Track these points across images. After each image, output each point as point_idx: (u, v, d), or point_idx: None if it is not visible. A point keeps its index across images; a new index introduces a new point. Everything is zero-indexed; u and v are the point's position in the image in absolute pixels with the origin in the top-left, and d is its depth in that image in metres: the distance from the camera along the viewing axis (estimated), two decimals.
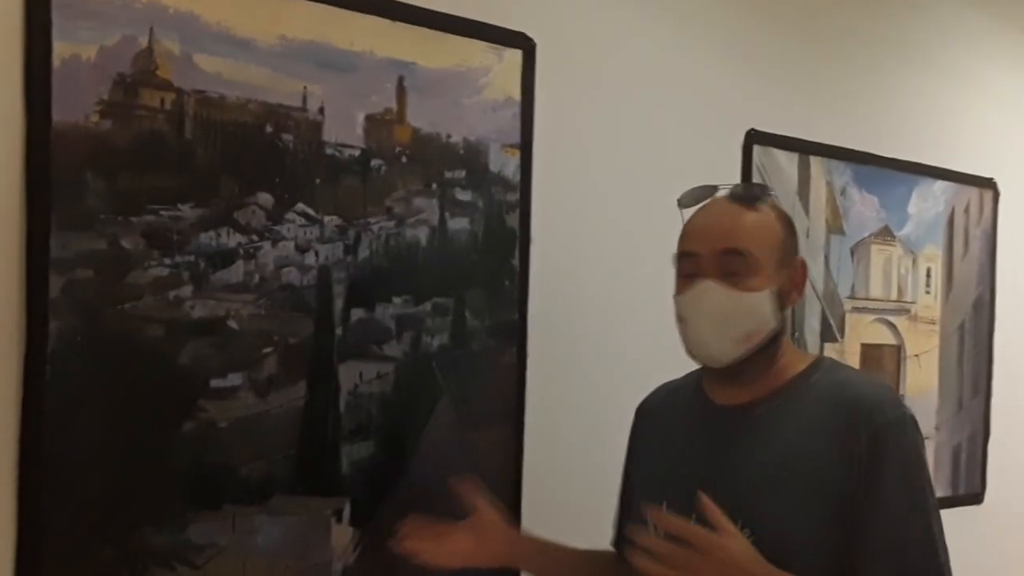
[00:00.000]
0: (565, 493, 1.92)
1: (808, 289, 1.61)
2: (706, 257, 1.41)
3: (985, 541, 2.68)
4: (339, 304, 1.64)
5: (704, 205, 1.49)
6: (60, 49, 1.35)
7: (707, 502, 1.32)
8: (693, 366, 1.54)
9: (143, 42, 1.43)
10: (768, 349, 1.43)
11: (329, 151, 1.62)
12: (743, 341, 1.40)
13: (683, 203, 1.52)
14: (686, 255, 1.44)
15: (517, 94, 1.86)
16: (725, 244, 1.41)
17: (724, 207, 1.45)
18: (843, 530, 1.34)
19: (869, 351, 2.59)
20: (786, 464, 1.38)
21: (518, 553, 1.66)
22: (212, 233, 1.50)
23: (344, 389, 1.65)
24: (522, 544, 1.67)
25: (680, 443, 1.51)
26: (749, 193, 1.46)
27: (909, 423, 1.38)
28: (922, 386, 2.72)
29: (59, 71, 1.35)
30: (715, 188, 1.49)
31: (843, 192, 2.52)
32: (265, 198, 1.55)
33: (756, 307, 1.40)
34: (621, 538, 1.60)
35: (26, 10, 1.33)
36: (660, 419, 1.59)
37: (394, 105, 1.70)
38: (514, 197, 1.86)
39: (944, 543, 1.37)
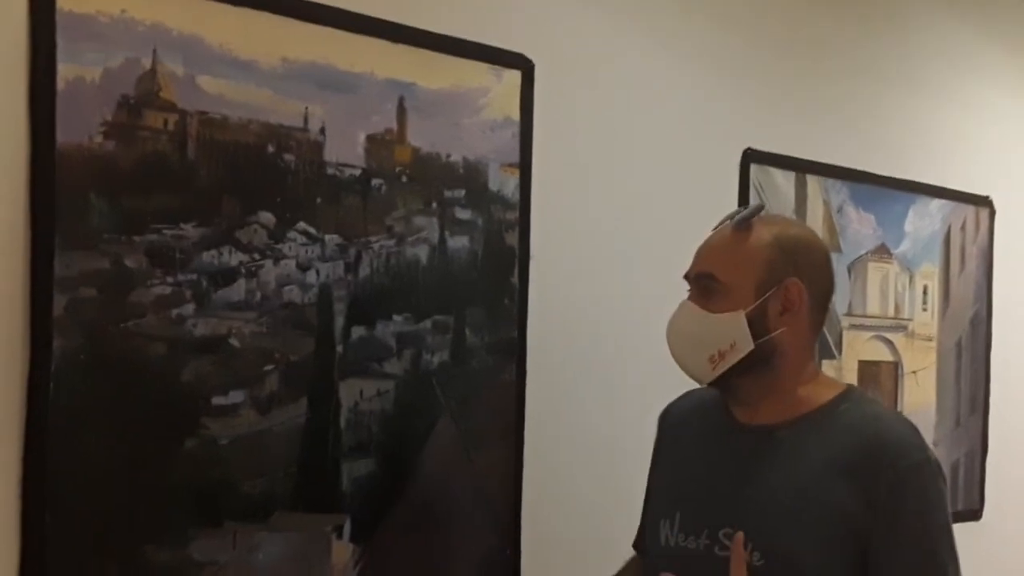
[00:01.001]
0: (565, 509, 1.93)
1: None
2: (692, 279, 1.48)
3: (984, 558, 2.67)
4: (340, 322, 1.65)
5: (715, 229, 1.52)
6: (65, 71, 1.37)
7: (737, 544, 1.34)
8: (691, 383, 1.56)
9: (147, 64, 1.45)
10: (759, 370, 1.43)
11: (330, 171, 1.64)
12: (714, 360, 1.43)
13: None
14: (685, 278, 1.50)
15: (516, 114, 1.88)
16: (699, 268, 1.47)
17: (720, 231, 1.49)
18: (854, 568, 1.35)
19: (866, 368, 2.60)
20: (803, 494, 1.38)
21: None
22: (214, 252, 1.51)
23: (345, 406, 1.66)
24: None
25: (699, 456, 1.52)
26: (739, 216, 1.47)
27: (932, 467, 1.38)
28: (919, 403, 2.73)
29: (63, 93, 1.37)
30: (760, 206, 1.49)
31: (840, 210, 2.54)
32: (267, 217, 1.57)
33: (722, 328, 1.42)
34: (642, 540, 1.62)
35: (31, 33, 1.35)
36: (681, 427, 1.60)
37: (394, 125, 1.72)
38: (513, 216, 1.88)
39: None
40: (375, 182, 1.69)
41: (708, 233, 1.51)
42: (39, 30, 1.35)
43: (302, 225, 1.61)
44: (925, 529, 1.36)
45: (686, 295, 1.49)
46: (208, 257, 1.51)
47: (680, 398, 1.63)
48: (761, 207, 1.49)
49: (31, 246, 1.35)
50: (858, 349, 2.58)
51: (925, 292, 2.78)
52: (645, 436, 1.67)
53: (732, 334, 1.41)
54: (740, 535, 1.35)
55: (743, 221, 1.46)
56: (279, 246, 1.58)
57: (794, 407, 1.44)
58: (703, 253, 1.48)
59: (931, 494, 1.37)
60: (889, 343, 2.68)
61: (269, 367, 1.57)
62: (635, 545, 1.65)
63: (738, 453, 1.46)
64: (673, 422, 1.63)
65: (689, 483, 1.50)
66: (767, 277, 1.42)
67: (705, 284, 1.45)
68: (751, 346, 1.41)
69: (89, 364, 1.39)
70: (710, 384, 1.47)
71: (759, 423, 1.46)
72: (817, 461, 1.39)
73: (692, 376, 1.48)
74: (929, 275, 2.79)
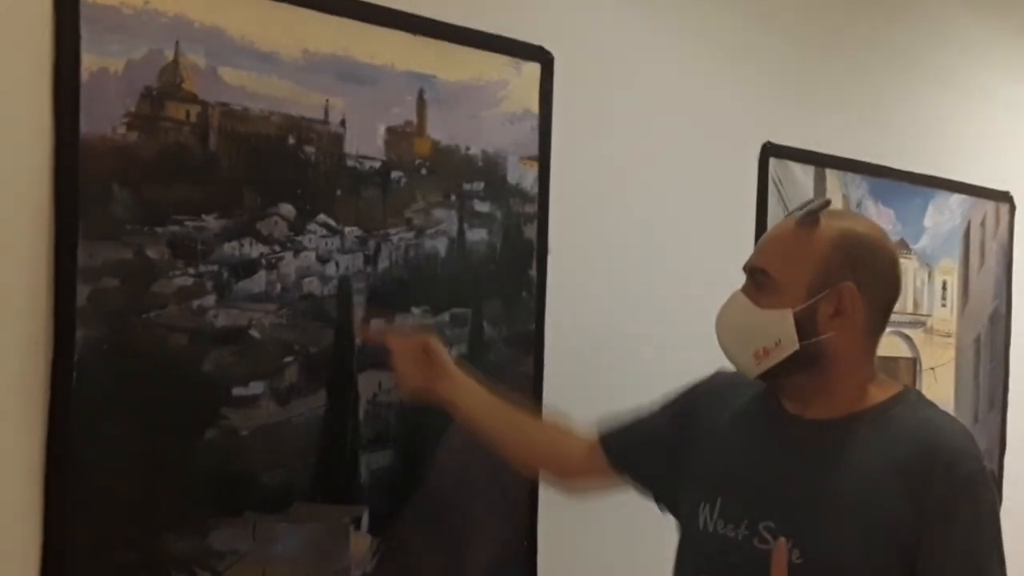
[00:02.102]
0: (581, 501, 1.92)
1: None
2: (748, 271, 1.45)
3: None
4: (359, 314, 1.66)
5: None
6: (88, 62, 1.37)
7: (780, 550, 1.32)
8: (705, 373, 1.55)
9: (169, 56, 1.45)
10: (808, 370, 1.40)
11: (350, 163, 1.64)
12: (759, 356, 1.40)
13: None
14: (744, 269, 1.47)
15: (535, 107, 1.88)
16: (755, 262, 1.44)
17: (783, 225, 1.46)
18: (895, 574, 1.33)
19: (885, 364, 2.57)
20: (849, 495, 1.35)
21: (452, 385, 1.66)
22: (235, 243, 1.52)
23: (363, 398, 1.67)
24: (459, 379, 1.67)
25: (745, 442, 1.49)
26: (804, 210, 1.42)
27: (986, 478, 1.35)
28: (938, 399, 2.70)
29: (87, 84, 1.37)
30: (827, 201, 1.43)
31: (859, 205, 2.53)
32: (287, 209, 1.57)
33: (768, 325, 1.39)
34: (609, 438, 1.63)
35: (56, 24, 1.35)
36: (730, 401, 1.55)
37: (414, 118, 1.72)
38: (532, 209, 1.88)
39: None
40: (395, 174, 1.70)
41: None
42: (63, 21, 1.35)
43: (322, 217, 1.61)
44: (975, 543, 1.33)
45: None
46: (229, 248, 1.51)
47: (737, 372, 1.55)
48: (828, 202, 1.43)
49: (55, 236, 1.36)
50: None
51: (944, 288, 2.77)
52: None
53: (778, 332, 1.38)
54: (783, 540, 1.33)
55: (808, 215, 1.40)
56: (299, 238, 1.59)
57: (846, 405, 1.41)
58: (762, 246, 1.45)
59: (983, 507, 1.34)
60: (907, 339, 2.67)
61: (289, 358, 1.58)
62: (600, 435, 1.64)
63: (786, 446, 1.44)
64: (721, 388, 1.58)
65: (733, 469, 1.46)
66: (822, 278, 1.38)
67: (758, 279, 1.42)
68: (796, 347, 1.38)
69: (112, 354, 1.40)
70: (756, 378, 1.44)
71: (809, 417, 1.43)
72: (866, 462, 1.36)
73: (737, 368, 1.46)
74: (948, 271, 2.78)
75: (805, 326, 1.38)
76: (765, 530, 1.37)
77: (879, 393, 1.43)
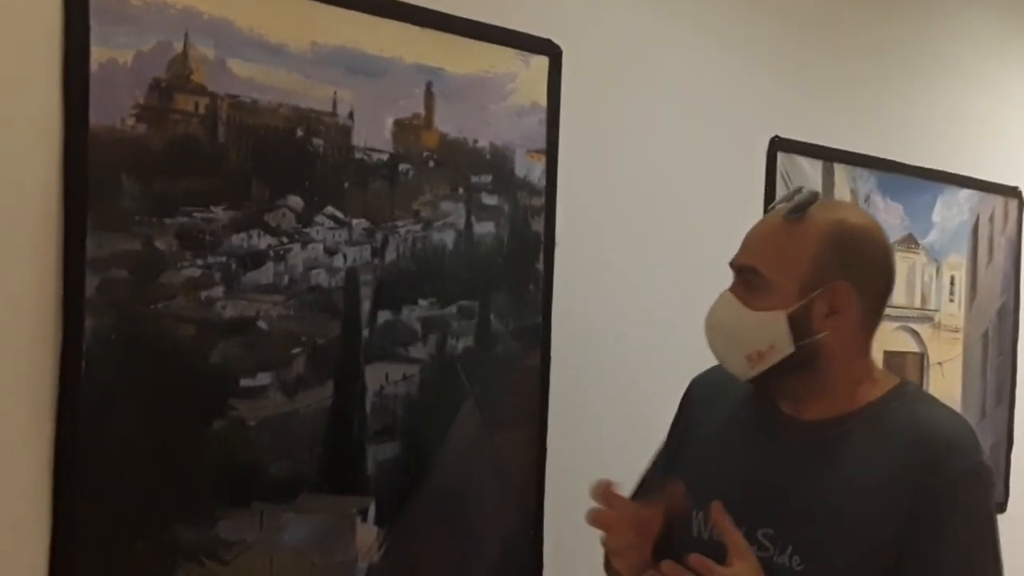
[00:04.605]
0: (587, 492, 1.93)
1: None
2: (736, 269, 1.40)
3: (1008, 550, 2.66)
4: (366, 306, 1.66)
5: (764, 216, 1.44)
6: (98, 54, 1.38)
7: (724, 523, 1.30)
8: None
9: (178, 47, 1.45)
10: (803, 370, 1.35)
11: (358, 155, 1.65)
12: (752, 359, 1.35)
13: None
14: (731, 266, 1.41)
15: (543, 100, 1.88)
16: (743, 259, 1.39)
17: (770, 220, 1.40)
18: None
19: (892, 358, 2.59)
20: (847, 495, 1.32)
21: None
22: (243, 235, 1.52)
23: (370, 390, 1.67)
24: None
25: (737, 446, 1.44)
26: (793, 206, 1.36)
27: (981, 474, 1.32)
28: (945, 394, 2.71)
29: (96, 75, 1.38)
30: (815, 194, 1.38)
31: (867, 200, 2.52)
32: (295, 201, 1.58)
33: (761, 327, 1.34)
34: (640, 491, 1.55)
35: (65, 16, 1.36)
36: (717, 404, 1.50)
37: (422, 110, 1.72)
38: (539, 202, 1.88)
39: None
40: (402, 167, 1.70)
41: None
42: (73, 13, 1.36)
43: (330, 209, 1.62)
44: (969, 545, 1.30)
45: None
46: (237, 240, 1.52)
47: (712, 370, 1.50)
48: (816, 195, 1.37)
49: (64, 227, 1.36)
50: (884, 339, 2.57)
51: (952, 283, 2.77)
52: (668, 422, 1.66)
53: (771, 335, 1.33)
54: (718, 504, 1.31)
55: (797, 209, 1.35)
56: (307, 230, 1.59)
57: (842, 404, 1.37)
58: (750, 242, 1.39)
59: (978, 505, 1.32)
60: (915, 334, 2.66)
61: (296, 350, 1.59)
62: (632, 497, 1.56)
63: (782, 449, 1.39)
64: (705, 395, 1.54)
65: (726, 474, 1.42)
66: (814, 276, 1.32)
67: (748, 277, 1.36)
68: (791, 349, 1.33)
69: (120, 345, 1.40)
70: (750, 381, 1.39)
71: (805, 419, 1.38)
72: (863, 463, 1.33)
73: (731, 371, 1.41)
74: (956, 266, 2.78)
75: (800, 327, 1.33)
76: (764, 537, 1.33)
77: (876, 389, 1.39)
